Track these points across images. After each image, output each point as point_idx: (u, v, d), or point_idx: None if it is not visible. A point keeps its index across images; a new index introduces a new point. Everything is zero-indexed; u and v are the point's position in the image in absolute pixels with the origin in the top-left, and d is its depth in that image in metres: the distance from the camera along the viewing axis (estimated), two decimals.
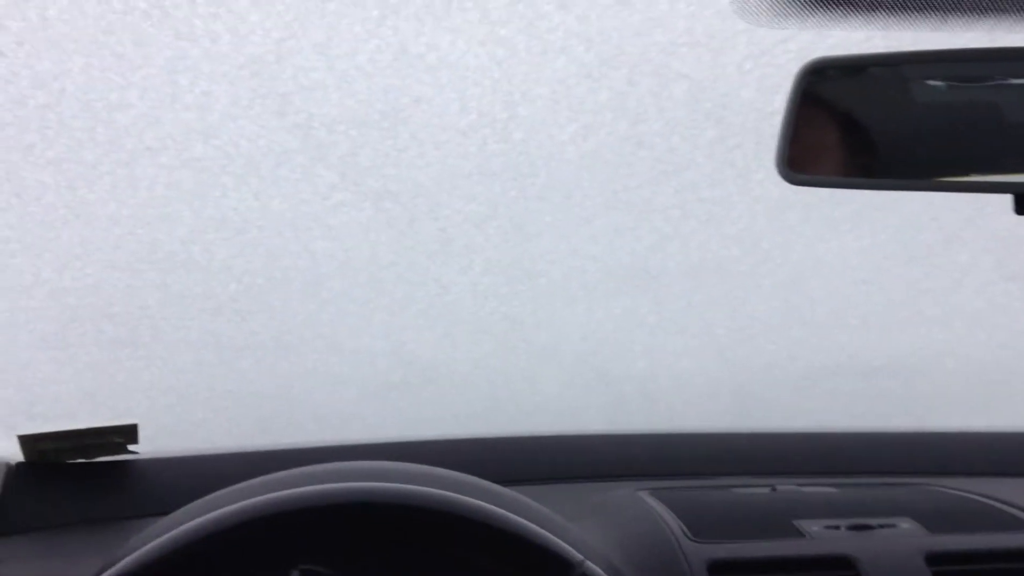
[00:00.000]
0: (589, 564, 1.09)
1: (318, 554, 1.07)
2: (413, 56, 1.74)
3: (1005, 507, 1.50)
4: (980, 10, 1.05)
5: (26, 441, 1.57)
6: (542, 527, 1.09)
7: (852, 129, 1.18)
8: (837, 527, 1.39)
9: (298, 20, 1.64)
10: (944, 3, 1.06)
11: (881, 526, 1.39)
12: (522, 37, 1.77)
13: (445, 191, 1.92)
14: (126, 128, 1.67)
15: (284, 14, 1.63)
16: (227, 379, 1.92)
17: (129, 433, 1.62)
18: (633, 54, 1.84)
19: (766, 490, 1.57)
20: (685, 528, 1.37)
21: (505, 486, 1.24)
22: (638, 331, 2.13)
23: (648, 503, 1.48)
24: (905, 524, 1.40)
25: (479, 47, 1.76)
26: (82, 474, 1.60)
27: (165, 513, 1.15)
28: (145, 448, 1.63)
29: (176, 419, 1.90)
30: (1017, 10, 1.07)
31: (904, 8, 1.04)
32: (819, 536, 1.36)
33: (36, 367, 1.82)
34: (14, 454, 1.58)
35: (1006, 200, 1.10)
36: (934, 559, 1.31)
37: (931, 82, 1.17)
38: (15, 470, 1.57)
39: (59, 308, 1.79)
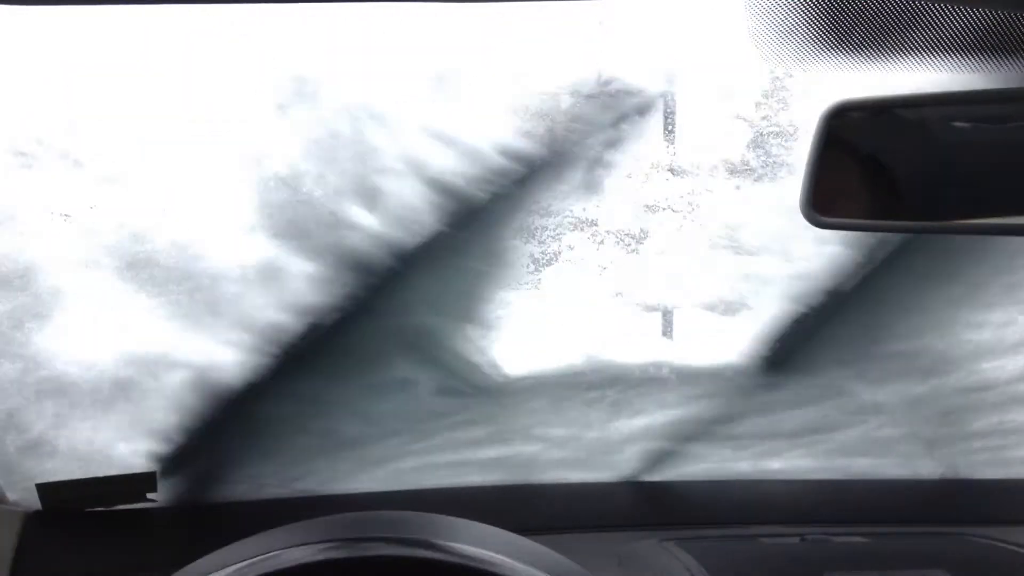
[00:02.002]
0: None
1: None
2: None
3: None
4: (1007, 51, 1.04)
5: (45, 489, 1.56)
6: None
7: (878, 171, 1.16)
8: None
9: None
10: (970, 45, 1.05)
11: None
12: None
13: None
14: None
15: None
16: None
17: (147, 481, 1.61)
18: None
19: (795, 540, 1.54)
20: None
21: (528, 535, 1.21)
22: None
23: (674, 553, 1.45)
24: None
25: None
26: (101, 522, 1.59)
27: (184, 562, 1.13)
28: (163, 496, 1.62)
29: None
30: None
31: (930, 50, 1.03)
32: None
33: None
34: (32, 502, 1.57)
35: None
36: None
37: (957, 123, 1.16)
38: (34, 518, 1.56)
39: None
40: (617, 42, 1.85)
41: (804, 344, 1.99)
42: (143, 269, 1.76)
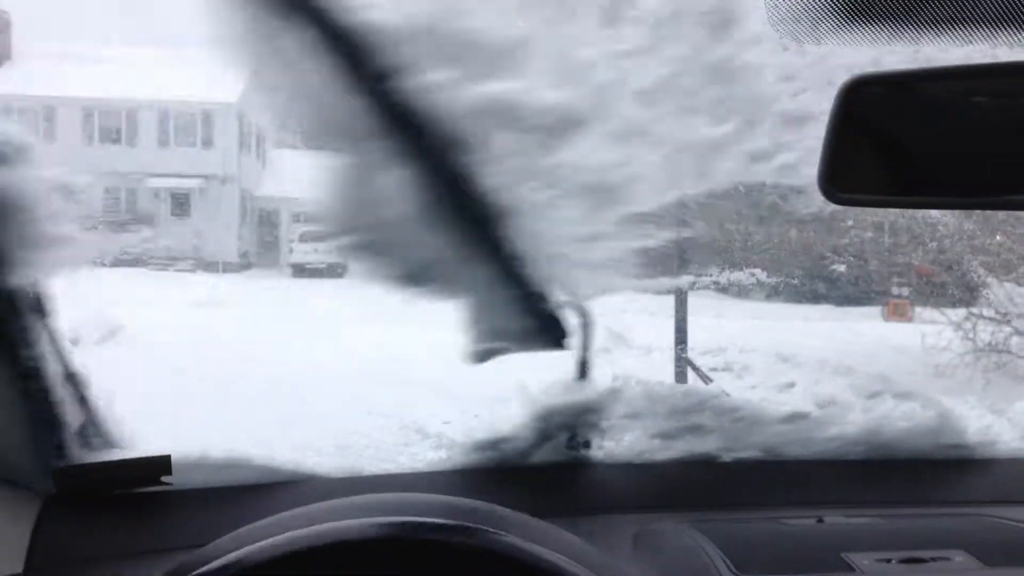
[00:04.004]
0: None
1: None
2: None
3: None
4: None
5: (60, 473, 1.56)
6: (580, 562, 1.06)
7: (895, 146, 1.15)
8: (888, 560, 1.35)
9: None
10: (990, 16, 1.03)
11: (933, 559, 1.35)
12: None
13: None
14: None
15: None
16: None
17: (163, 464, 1.61)
18: None
19: (812, 521, 1.53)
20: (729, 562, 1.34)
21: (544, 517, 1.21)
22: None
23: (690, 535, 1.45)
24: (959, 557, 1.35)
25: None
26: (117, 506, 1.59)
27: (199, 544, 1.13)
28: (179, 479, 1.62)
29: None
30: None
31: (952, 22, 1.02)
32: (869, 570, 1.32)
33: None
34: (48, 486, 1.57)
35: None
36: None
37: (976, 97, 1.14)
38: (50, 503, 1.57)
39: None
40: None
41: None
42: None
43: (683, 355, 8.35)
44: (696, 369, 8.31)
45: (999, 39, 1.09)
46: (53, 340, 1.60)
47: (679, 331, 8.49)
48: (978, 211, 8.60)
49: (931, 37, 1.08)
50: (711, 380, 8.27)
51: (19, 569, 1.47)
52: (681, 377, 8.29)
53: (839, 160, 1.11)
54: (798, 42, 1.12)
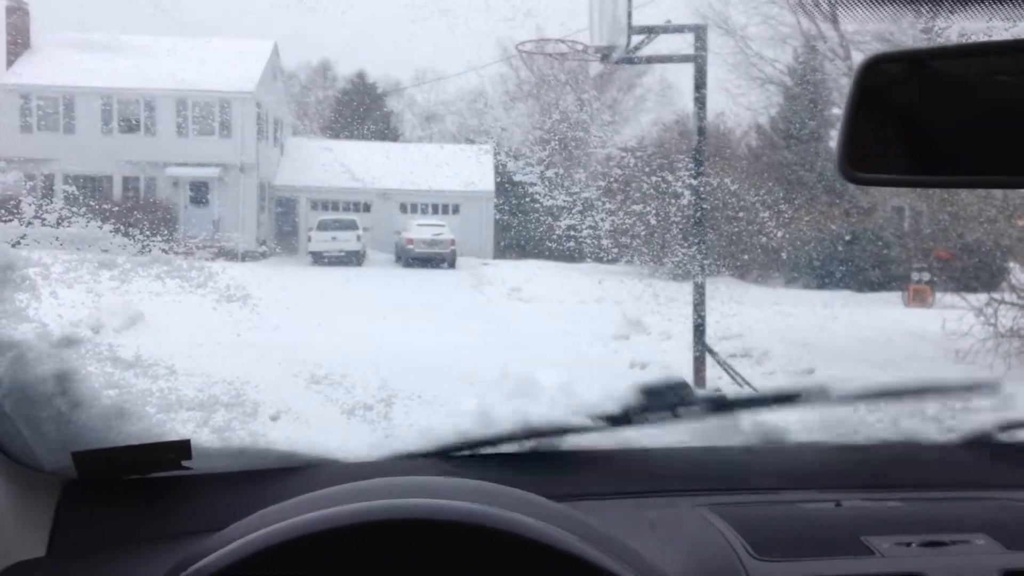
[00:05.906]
0: None
1: (374, 569, 1.06)
2: None
3: None
4: None
5: (80, 457, 1.57)
6: (598, 545, 1.06)
7: (914, 124, 1.14)
8: (908, 544, 1.34)
9: None
10: None
11: (954, 543, 1.34)
12: None
13: None
14: None
15: None
16: None
17: (182, 449, 1.61)
18: None
19: (830, 505, 1.52)
20: (747, 545, 1.33)
21: (561, 501, 1.21)
22: None
23: (708, 519, 1.44)
24: (980, 540, 1.35)
25: None
26: (137, 490, 1.60)
27: (218, 528, 1.14)
28: (199, 464, 1.62)
29: None
30: None
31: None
32: (889, 554, 1.31)
33: None
34: (69, 471, 1.58)
35: None
36: None
37: (996, 75, 1.13)
38: (71, 487, 1.58)
39: None
40: None
41: None
42: None
43: (701, 340, 8.34)
44: (714, 355, 8.32)
45: (1020, 15, 1.07)
46: (73, 326, 1.61)
47: (697, 317, 8.49)
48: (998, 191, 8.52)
49: (949, 13, 1.07)
50: (729, 366, 8.26)
51: (42, 553, 1.48)
52: (699, 363, 8.29)
53: (858, 140, 1.10)
54: (813, 20, 1.11)
